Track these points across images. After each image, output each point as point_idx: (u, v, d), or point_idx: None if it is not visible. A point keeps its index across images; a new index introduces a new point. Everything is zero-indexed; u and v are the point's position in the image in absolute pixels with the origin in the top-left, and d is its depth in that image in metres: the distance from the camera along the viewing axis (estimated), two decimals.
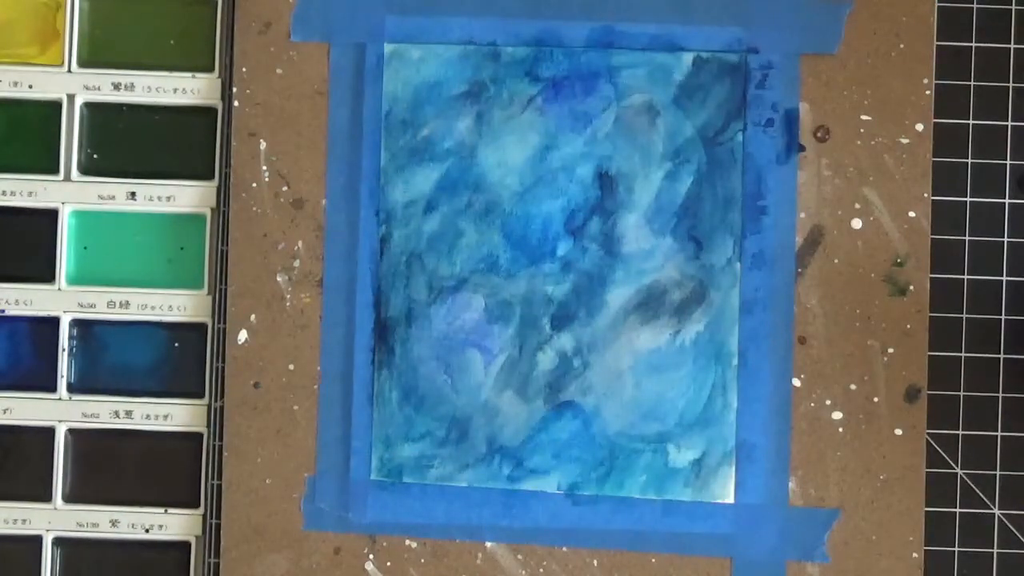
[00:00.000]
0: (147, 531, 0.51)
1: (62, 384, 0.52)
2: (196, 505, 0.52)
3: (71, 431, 0.52)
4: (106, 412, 0.52)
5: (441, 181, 0.50)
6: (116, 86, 0.52)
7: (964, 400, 0.51)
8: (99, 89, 0.52)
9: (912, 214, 0.50)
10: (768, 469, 0.49)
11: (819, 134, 0.50)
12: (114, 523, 0.51)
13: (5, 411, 0.52)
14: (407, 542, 0.50)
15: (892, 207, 0.50)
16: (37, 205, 0.52)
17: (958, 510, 0.50)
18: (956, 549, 0.50)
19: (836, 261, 0.50)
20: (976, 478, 0.51)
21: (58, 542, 0.51)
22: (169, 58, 0.52)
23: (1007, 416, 0.51)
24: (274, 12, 0.51)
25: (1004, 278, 0.51)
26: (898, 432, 0.49)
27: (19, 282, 0.52)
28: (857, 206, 0.50)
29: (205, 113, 0.52)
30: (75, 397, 0.52)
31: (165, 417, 0.52)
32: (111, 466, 0.52)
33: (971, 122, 0.51)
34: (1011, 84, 0.51)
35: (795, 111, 0.50)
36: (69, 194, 0.52)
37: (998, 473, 0.51)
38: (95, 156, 0.52)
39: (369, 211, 0.50)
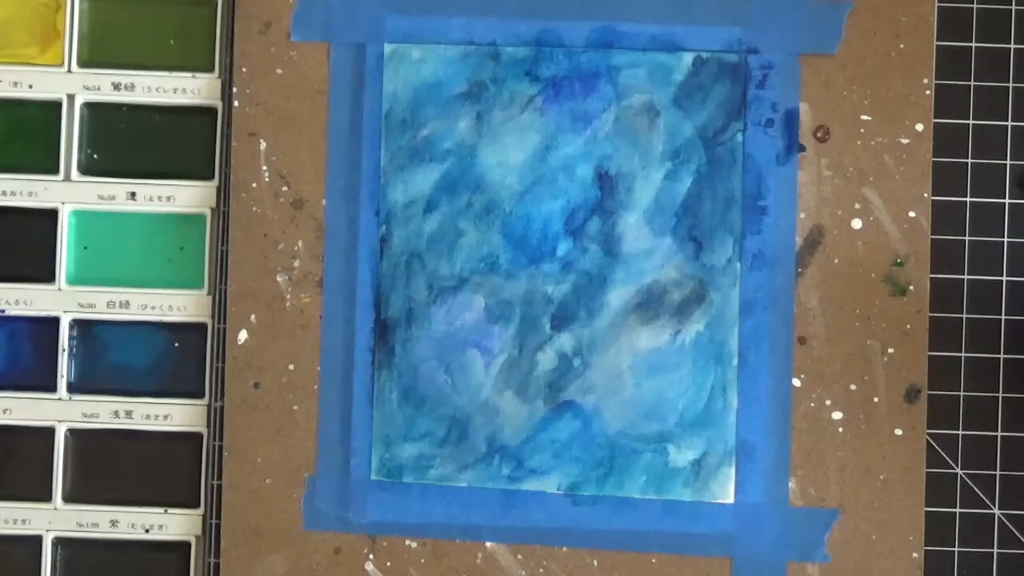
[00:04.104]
0: (147, 531, 0.51)
1: (62, 384, 0.52)
2: (196, 505, 0.52)
3: (71, 431, 0.52)
4: (106, 412, 0.52)
5: (441, 181, 0.50)
6: (116, 86, 0.52)
7: (964, 400, 0.51)
8: (99, 89, 0.52)
9: (912, 214, 0.50)
10: (768, 469, 0.49)
11: (819, 134, 0.50)
12: (114, 523, 0.51)
13: (5, 411, 0.52)
14: (407, 542, 0.50)
15: (892, 207, 0.50)
16: (37, 205, 0.52)
17: (958, 510, 0.50)
18: (956, 549, 0.50)
19: (836, 261, 0.50)
20: (976, 478, 0.51)
21: (58, 542, 0.51)
22: (169, 58, 0.52)
23: (1007, 416, 0.51)
24: (274, 12, 0.51)
25: (1004, 278, 0.51)
26: (898, 432, 0.49)
27: (19, 282, 0.52)
28: (857, 206, 0.50)
29: (205, 113, 0.52)
30: (75, 397, 0.52)
31: (165, 417, 0.52)
32: (111, 466, 0.52)
33: (971, 122, 0.51)
34: (1011, 84, 0.51)
35: (795, 111, 0.50)
36: (69, 194, 0.52)
37: (998, 473, 0.51)
38: (95, 156, 0.52)
39: (369, 211, 0.50)
